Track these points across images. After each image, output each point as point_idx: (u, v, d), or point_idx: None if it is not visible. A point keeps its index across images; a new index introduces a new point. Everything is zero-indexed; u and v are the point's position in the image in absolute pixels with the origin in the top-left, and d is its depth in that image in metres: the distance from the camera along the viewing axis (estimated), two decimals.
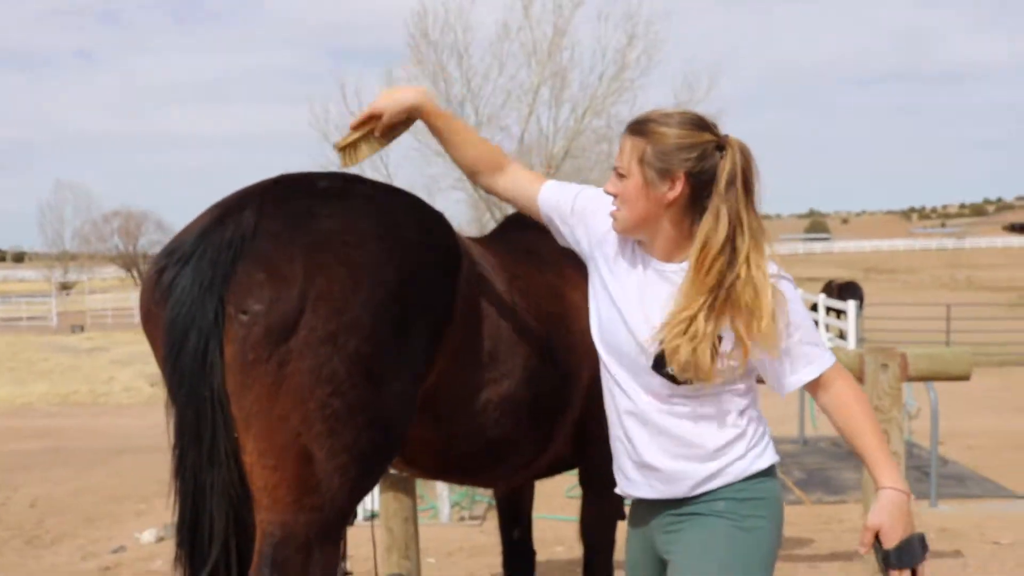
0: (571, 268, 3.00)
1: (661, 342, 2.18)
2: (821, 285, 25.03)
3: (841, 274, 41.21)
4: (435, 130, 2.67)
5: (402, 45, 17.38)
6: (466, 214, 17.46)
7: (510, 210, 3.15)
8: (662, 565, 2.38)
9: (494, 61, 17.19)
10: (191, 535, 2.23)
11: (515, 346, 2.75)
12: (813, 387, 2.28)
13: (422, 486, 7.62)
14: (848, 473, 8.41)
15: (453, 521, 7.21)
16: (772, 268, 2.22)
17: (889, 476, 2.18)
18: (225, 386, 2.12)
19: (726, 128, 2.24)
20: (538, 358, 2.81)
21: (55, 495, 8.47)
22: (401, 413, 2.36)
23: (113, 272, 69.73)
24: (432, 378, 2.50)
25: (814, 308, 23.15)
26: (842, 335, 21.08)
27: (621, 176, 2.25)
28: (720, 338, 2.17)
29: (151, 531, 6.82)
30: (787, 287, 2.23)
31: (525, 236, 3.26)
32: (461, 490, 7.55)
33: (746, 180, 2.18)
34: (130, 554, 6.38)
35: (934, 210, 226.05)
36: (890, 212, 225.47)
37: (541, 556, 5.97)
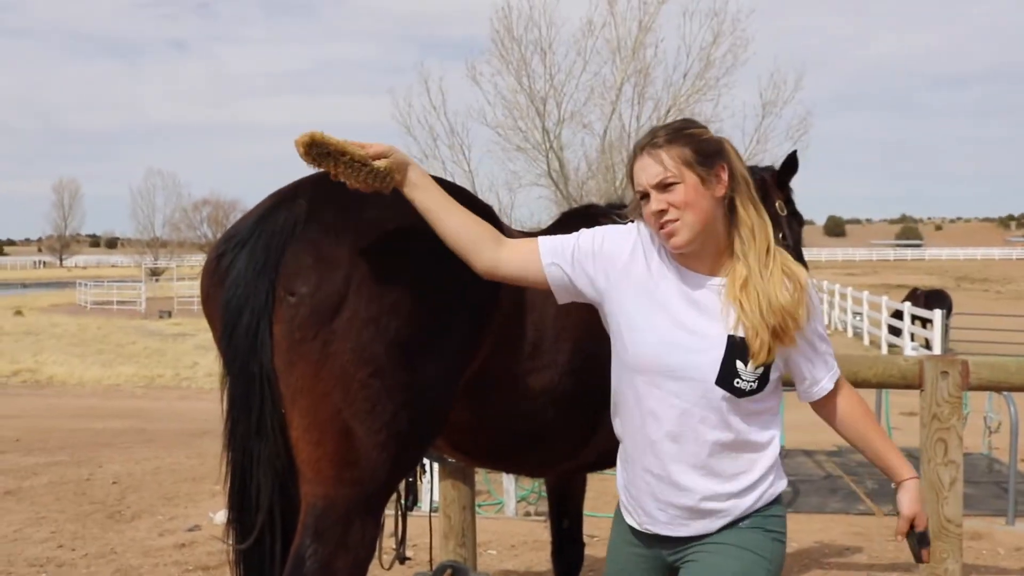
0: None
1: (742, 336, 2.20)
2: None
3: (932, 282, 40.04)
4: (412, 201, 2.34)
5: (486, 38, 17.29)
6: (549, 210, 17.33)
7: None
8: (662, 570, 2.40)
9: (578, 58, 16.98)
10: (239, 503, 2.36)
11: (559, 338, 2.80)
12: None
13: (490, 482, 7.69)
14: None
15: (519, 516, 7.25)
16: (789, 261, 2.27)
17: (909, 468, 2.38)
18: (274, 363, 2.23)
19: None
20: (583, 351, 2.84)
21: (136, 473, 8.78)
22: (440, 395, 2.43)
23: (201, 260, 71.42)
24: (477, 364, 2.57)
25: (899, 316, 22.62)
26: (928, 344, 20.53)
27: (669, 186, 2.20)
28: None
29: (224, 512, 7.00)
30: (808, 283, 2.27)
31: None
32: (528, 486, 7.58)
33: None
34: (204, 532, 6.58)
35: None
36: (986, 219, 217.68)
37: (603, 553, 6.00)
